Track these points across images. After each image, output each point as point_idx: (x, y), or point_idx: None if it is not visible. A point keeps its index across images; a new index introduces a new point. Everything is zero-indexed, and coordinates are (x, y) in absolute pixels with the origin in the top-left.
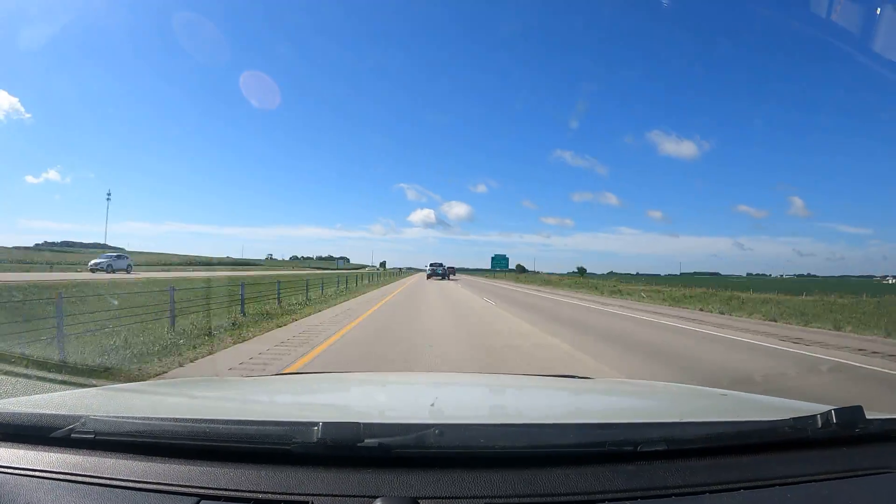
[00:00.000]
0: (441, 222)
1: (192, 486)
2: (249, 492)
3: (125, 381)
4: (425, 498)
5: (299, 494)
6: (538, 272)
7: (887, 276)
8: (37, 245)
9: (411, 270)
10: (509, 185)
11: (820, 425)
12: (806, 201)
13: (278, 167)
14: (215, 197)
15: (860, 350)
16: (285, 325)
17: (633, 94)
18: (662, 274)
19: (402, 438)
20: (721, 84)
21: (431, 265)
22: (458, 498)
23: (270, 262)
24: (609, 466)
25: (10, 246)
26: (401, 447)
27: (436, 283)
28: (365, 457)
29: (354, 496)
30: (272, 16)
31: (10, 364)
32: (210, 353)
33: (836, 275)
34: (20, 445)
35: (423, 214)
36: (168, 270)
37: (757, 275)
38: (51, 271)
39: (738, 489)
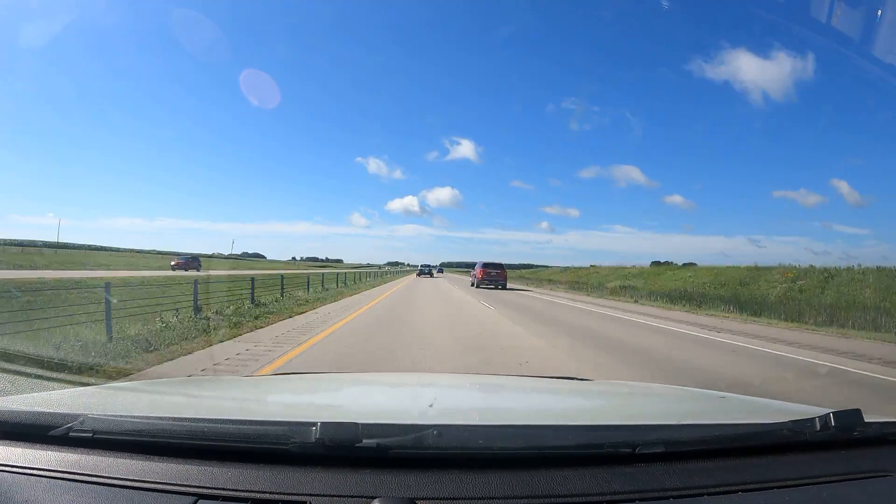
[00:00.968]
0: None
1: (190, 486)
2: (247, 491)
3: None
4: (423, 499)
5: (297, 494)
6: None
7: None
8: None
9: (413, 267)
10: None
11: (818, 428)
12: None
13: (263, 160)
14: (210, 192)
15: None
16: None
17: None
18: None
19: (400, 439)
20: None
21: (421, 266)
22: (456, 499)
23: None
24: (607, 468)
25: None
26: (399, 448)
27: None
28: (363, 457)
29: (352, 496)
30: None
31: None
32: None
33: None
34: (18, 444)
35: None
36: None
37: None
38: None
39: (737, 492)
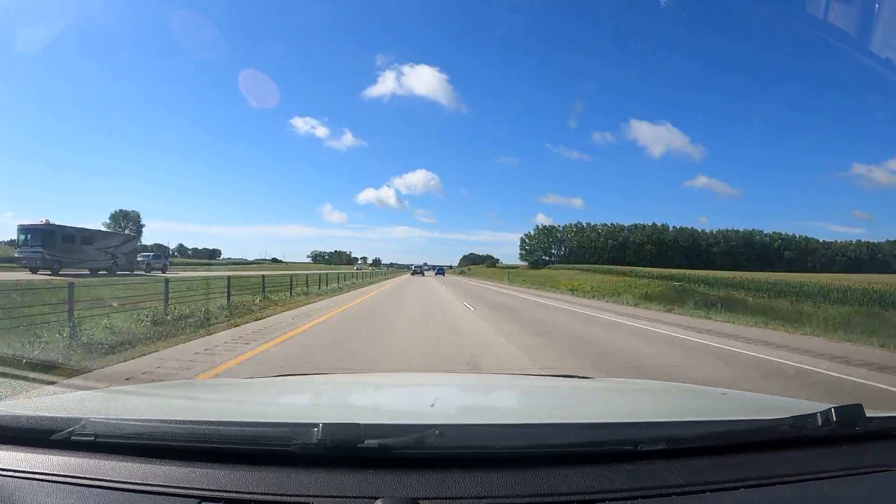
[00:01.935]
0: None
1: (193, 488)
2: (250, 493)
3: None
4: (426, 499)
5: (300, 496)
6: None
7: None
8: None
9: (406, 268)
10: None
11: (820, 423)
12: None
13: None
14: (201, 193)
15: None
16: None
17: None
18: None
19: (402, 439)
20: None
21: (414, 266)
22: (459, 498)
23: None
24: (609, 466)
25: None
26: (401, 448)
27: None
28: (365, 458)
29: (355, 497)
30: None
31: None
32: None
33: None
34: (20, 448)
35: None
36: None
37: None
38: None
39: (739, 488)
